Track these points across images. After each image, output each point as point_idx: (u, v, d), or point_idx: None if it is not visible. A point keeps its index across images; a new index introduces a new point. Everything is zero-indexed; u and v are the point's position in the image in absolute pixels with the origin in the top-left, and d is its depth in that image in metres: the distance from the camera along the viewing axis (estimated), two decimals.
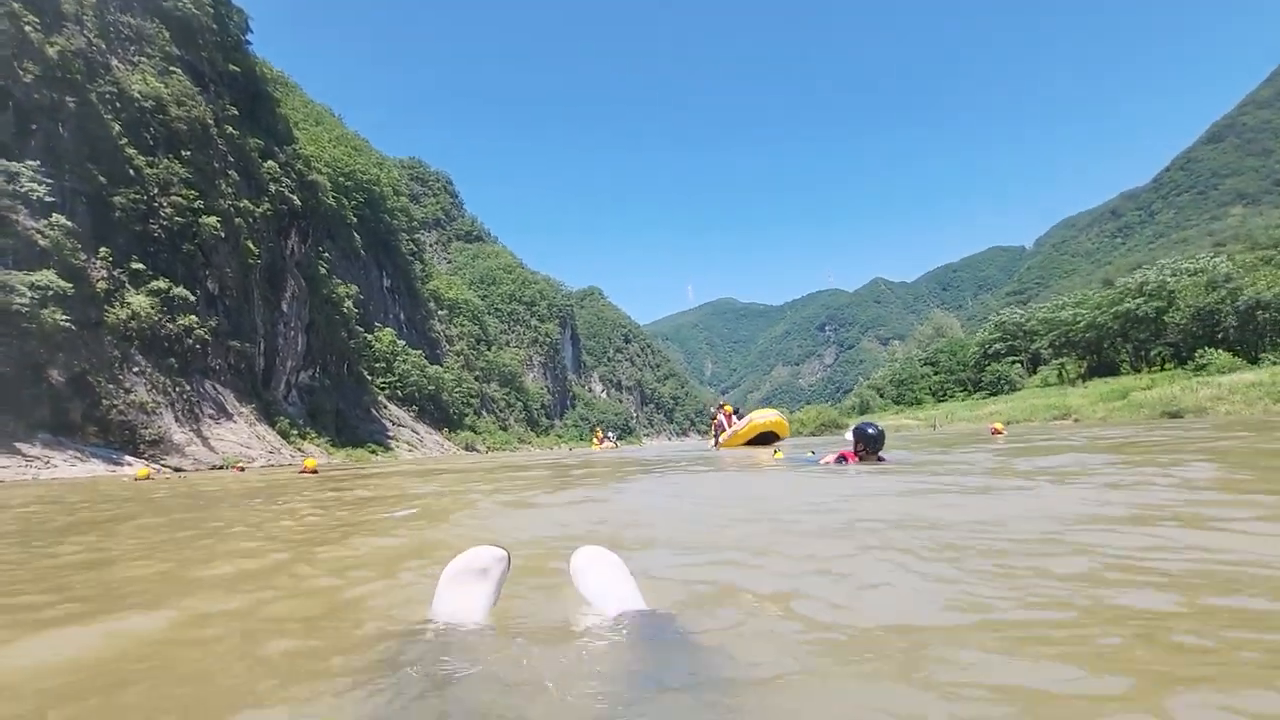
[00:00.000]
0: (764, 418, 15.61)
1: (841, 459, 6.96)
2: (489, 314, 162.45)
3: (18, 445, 25.16)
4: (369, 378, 77.85)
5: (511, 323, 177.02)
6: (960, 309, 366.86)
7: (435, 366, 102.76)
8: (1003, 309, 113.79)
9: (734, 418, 18.00)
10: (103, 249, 32.26)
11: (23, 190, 27.35)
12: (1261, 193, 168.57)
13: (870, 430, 6.85)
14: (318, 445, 49.50)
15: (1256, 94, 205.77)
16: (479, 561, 1.64)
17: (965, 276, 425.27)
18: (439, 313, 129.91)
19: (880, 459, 6.89)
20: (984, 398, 49.94)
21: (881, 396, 77.94)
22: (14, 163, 27.57)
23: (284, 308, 53.96)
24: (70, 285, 28.19)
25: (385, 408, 79.49)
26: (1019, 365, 54.40)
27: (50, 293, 26.91)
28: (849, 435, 7.50)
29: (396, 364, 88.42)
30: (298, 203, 55.98)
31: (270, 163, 52.91)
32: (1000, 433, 15.58)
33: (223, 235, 41.98)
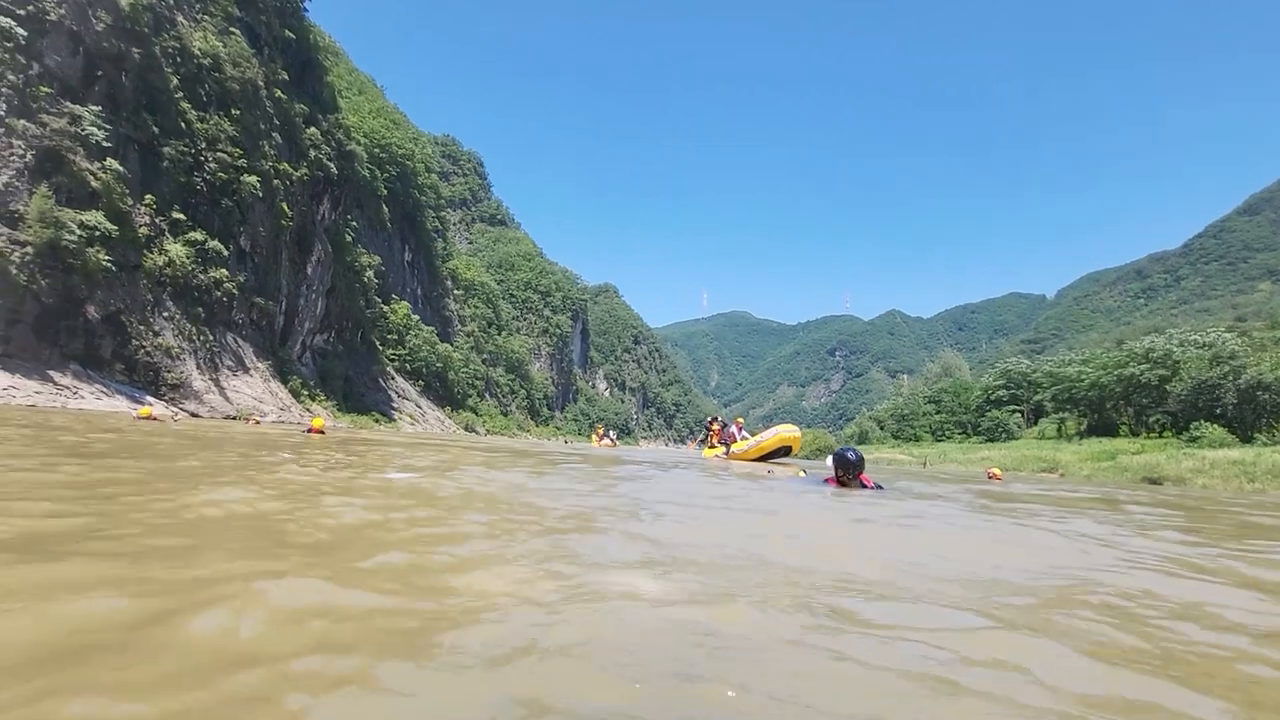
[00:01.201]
0: (789, 432, 16.20)
1: (825, 484, 7.00)
2: (503, 299, 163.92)
3: (51, 373, 26.46)
4: (380, 348, 79.25)
5: (524, 310, 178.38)
6: (974, 351, 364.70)
7: (445, 345, 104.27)
8: (1012, 356, 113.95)
9: (743, 432, 18.40)
10: (148, 196, 33.60)
11: (83, 133, 28.68)
12: None
13: (850, 455, 6.80)
14: (325, 408, 50.77)
15: None
16: None
17: (982, 319, 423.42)
18: (455, 292, 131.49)
19: (864, 484, 6.77)
20: (980, 442, 50.49)
21: (881, 429, 78.44)
22: (78, 105, 28.90)
23: (308, 271, 55.32)
24: (116, 228, 29.51)
25: (392, 379, 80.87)
26: (1019, 415, 54.81)
27: (97, 233, 28.21)
28: (829, 462, 7.72)
29: (408, 338, 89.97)
30: (334, 171, 57.36)
31: (312, 129, 54.33)
32: (998, 478, 16.26)
33: (260, 195, 43.34)
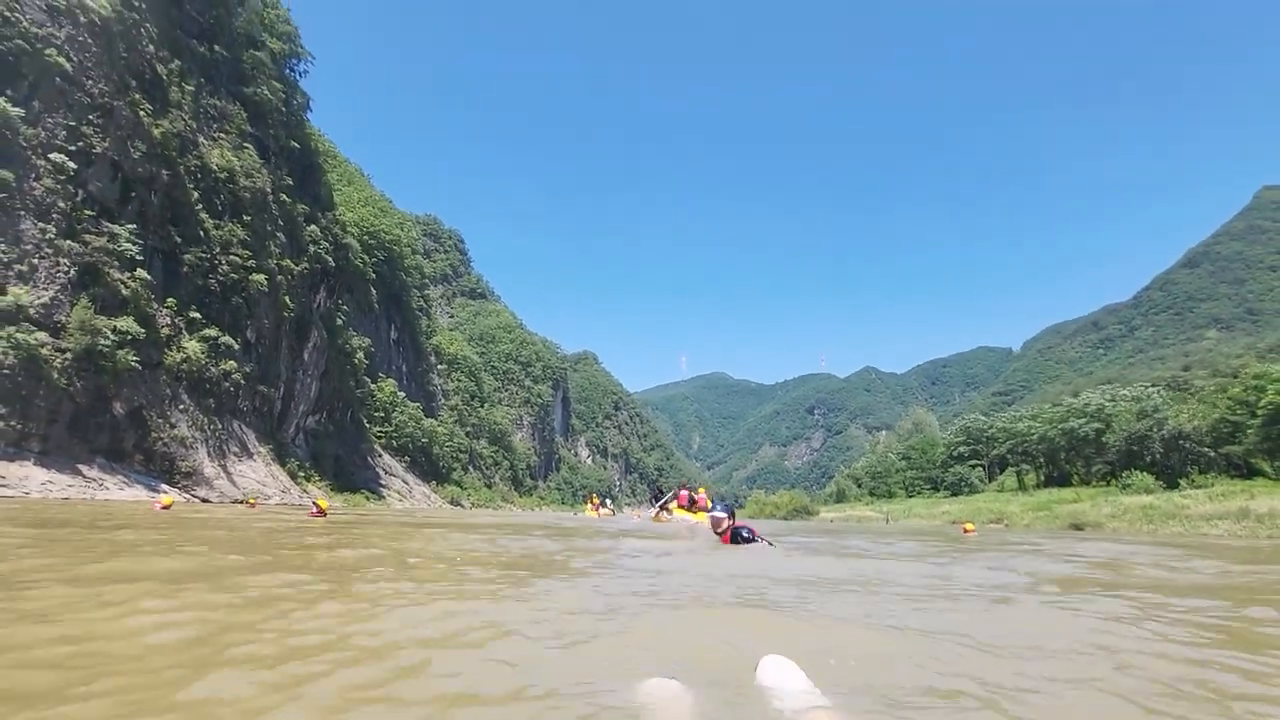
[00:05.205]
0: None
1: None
2: (485, 371, 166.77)
3: (80, 467, 28.67)
4: (368, 426, 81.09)
5: (506, 381, 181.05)
6: (948, 405, 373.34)
7: (430, 419, 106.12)
8: (983, 410, 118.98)
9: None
10: (170, 299, 36.73)
11: (119, 249, 32.02)
12: (1235, 319, 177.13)
13: (718, 512, 7.67)
14: (320, 488, 52.41)
15: (1230, 226, 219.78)
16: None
17: (954, 373, 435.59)
18: (439, 367, 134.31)
19: (744, 537, 7.20)
20: (946, 496, 53.68)
21: (859, 486, 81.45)
22: (116, 225, 32.38)
23: (305, 356, 58.10)
24: (143, 330, 32.42)
25: (380, 456, 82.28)
26: (980, 469, 58.35)
27: (128, 336, 31.10)
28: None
29: (394, 414, 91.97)
30: (331, 262, 61.28)
31: (312, 227, 58.54)
32: (970, 531, 18.57)
33: (266, 290, 46.71)
